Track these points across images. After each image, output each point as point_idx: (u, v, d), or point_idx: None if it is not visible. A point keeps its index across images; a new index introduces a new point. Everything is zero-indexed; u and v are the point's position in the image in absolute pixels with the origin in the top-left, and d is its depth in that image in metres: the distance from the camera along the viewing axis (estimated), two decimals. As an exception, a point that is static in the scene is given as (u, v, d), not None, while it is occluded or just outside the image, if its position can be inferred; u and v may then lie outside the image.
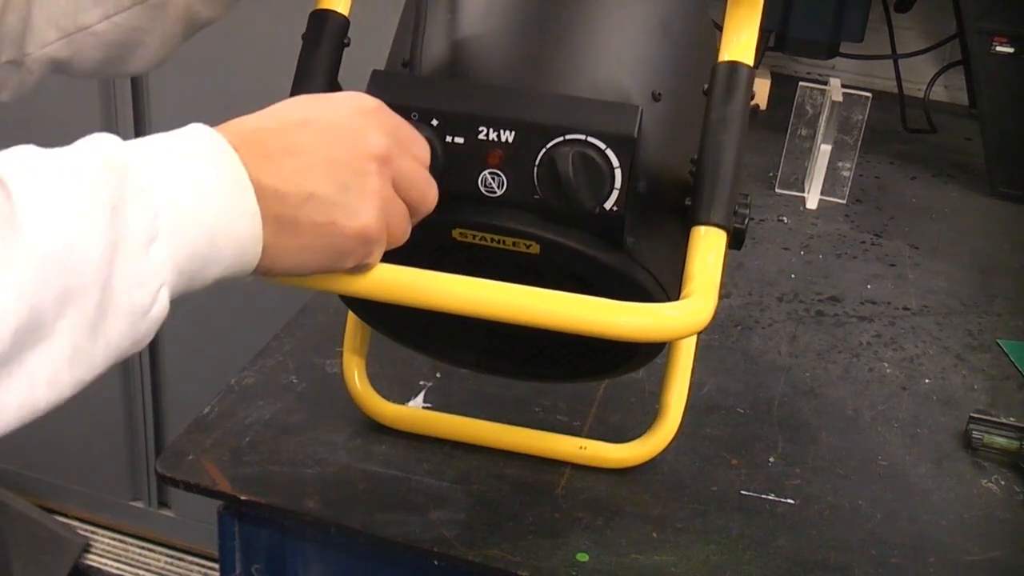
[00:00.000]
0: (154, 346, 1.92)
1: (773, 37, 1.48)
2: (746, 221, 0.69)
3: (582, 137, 0.63)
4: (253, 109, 0.60)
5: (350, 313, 0.82)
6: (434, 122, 0.65)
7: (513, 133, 0.64)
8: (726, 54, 0.71)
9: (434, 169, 0.64)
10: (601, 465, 0.82)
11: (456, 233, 0.67)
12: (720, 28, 0.72)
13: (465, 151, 0.65)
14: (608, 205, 0.64)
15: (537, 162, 0.64)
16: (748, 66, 0.70)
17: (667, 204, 0.70)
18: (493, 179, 0.65)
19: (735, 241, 0.70)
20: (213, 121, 0.57)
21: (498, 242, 0.66)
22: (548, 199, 0.64)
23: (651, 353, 0.75)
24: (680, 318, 0.65)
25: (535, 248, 0.66)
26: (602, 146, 0.64)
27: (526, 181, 0.65)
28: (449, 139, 0.65)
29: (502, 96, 0.66)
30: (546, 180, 0.64)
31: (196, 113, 0.59)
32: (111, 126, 1.71)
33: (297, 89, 0.72)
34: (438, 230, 0.67)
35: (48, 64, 0.79)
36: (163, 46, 0.81)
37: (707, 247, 0.67)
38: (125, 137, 0.54)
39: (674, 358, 0.75)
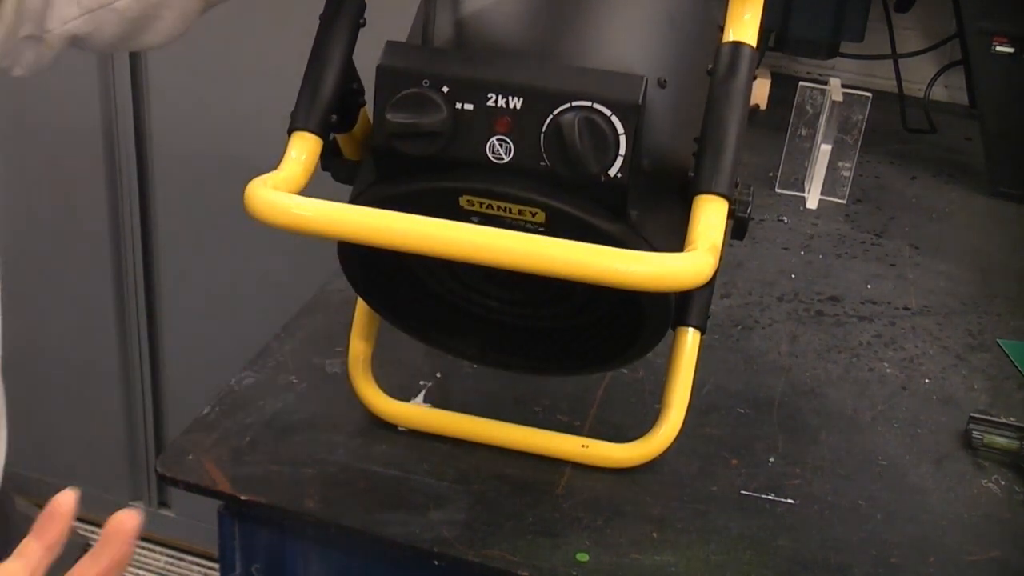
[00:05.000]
0: (154, 346, 1.92)
1: (773, 37, 1.48)
2: (748, 210, 0.70)
3: (588, 104, 0.65)
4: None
5: (359, 303, 0.82)
6: (445, 88, 0.66)
7: (521, 100, 0.65)
8: (730, 35, 0.72)
9: (444, 137, 0.65)
10: (603, 464, 0.82)
11: (463, 201, 0.68)
12: (721, 28, 0.73)
13: (474, 117, 0.66)
14: (612, 172, 0.65)
15: (544, 129, 0.65)
16: (751, 47, 0.71)
17: (671, 185, 0.71)
18: (501, 146, 0.66)
19: (738, 230, 0.71)
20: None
21: (505, 210, 0.67)
22: (555, 167, 0.66)
23: (650, 343, 0.76)
24: (682, 268, 0.65)
25: (540, 217, 0.67)
26: (607, 112, 0.65)
27: (533, 148, 0.66)
28: (459, 106, 0.66)
29: (511, 64, 0.67)
30: (552, 147, 0.65)
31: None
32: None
33: (312, 68, 0.73)
34: (446, 197, 0.67)
35: (67, 40, 0.79)
36: (181, 21, 0.81)
37: (709, 213, 0.68)
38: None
39: (677, 357, 0.75)
